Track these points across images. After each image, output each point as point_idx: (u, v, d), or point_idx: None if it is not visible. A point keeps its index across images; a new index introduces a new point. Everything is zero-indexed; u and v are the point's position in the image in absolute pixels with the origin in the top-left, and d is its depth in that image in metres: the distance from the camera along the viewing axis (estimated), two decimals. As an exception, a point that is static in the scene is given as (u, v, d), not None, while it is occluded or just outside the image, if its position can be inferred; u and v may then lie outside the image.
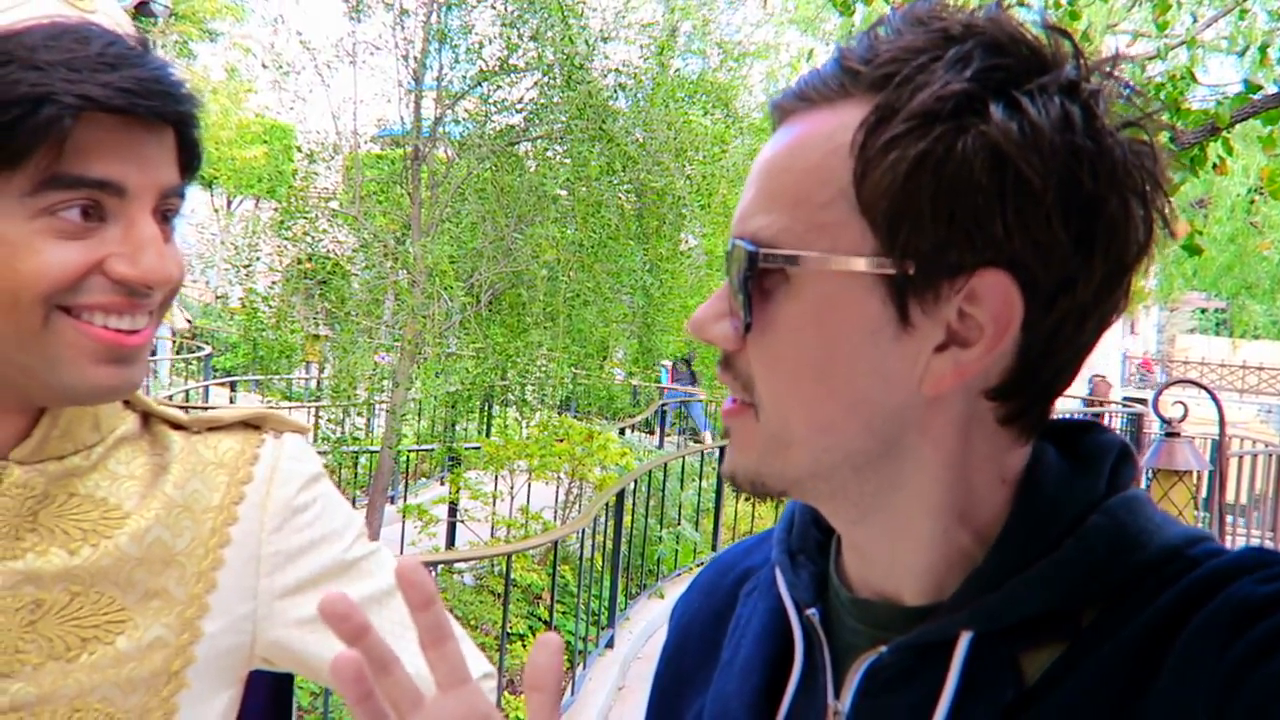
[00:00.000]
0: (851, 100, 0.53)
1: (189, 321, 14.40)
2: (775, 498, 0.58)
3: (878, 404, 0.53)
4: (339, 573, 0.90)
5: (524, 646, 4.37)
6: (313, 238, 5.50)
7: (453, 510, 6.34)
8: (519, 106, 5.81)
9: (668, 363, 12.89)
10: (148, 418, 0.88)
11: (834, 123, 0.53)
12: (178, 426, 0.88)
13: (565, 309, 5.52)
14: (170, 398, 8.44)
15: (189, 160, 0.77)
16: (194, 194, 13.05)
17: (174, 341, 13.49)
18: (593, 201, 5.54)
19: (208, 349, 13.30)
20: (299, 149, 5.82)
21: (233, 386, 11.81)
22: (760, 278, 0.54)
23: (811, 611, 0.62)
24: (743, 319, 0.54)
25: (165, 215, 0.75)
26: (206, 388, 11.41)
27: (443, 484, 8.41)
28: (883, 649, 0.56)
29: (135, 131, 0.70)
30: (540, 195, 5.74)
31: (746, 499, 0.61)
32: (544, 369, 5.80)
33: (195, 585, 0.83)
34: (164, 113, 0.71)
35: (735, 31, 11.46)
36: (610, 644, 5.24)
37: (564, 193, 5.79)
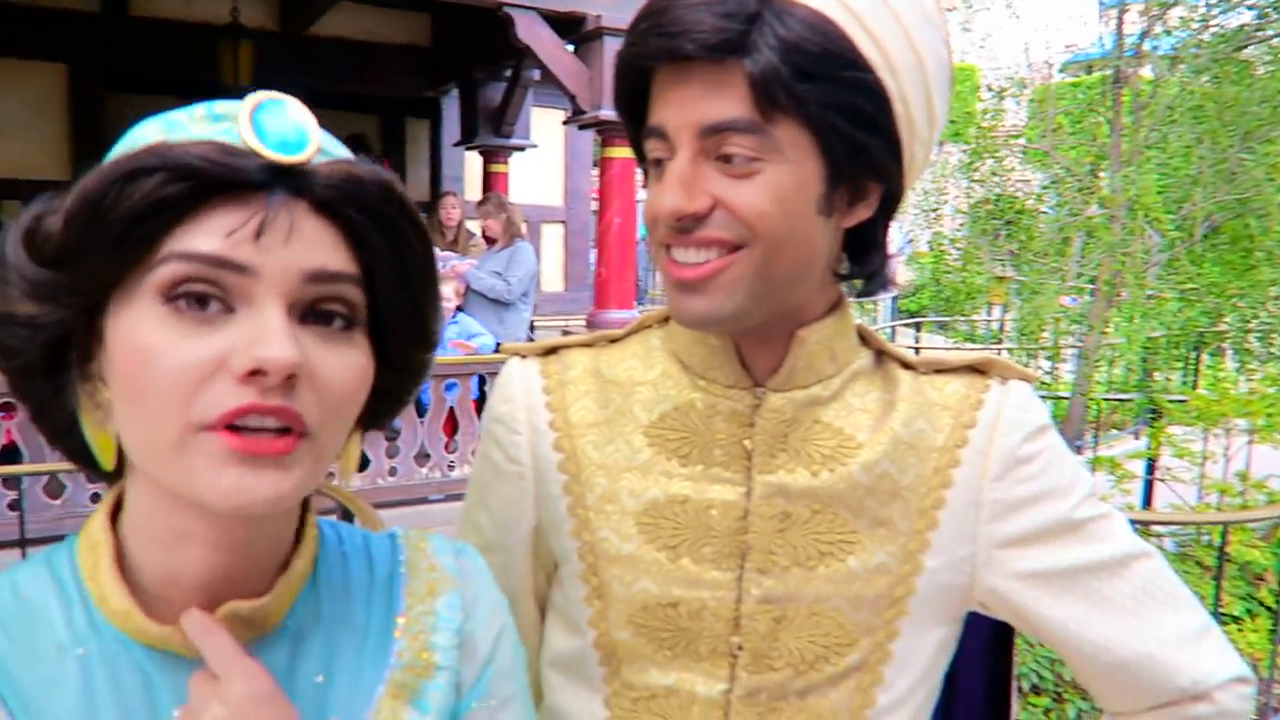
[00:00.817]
0: None
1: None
2: None
3: None
4: (1064, 531, 0.87)
5: (1239, 630, 3.80)
6: (1000, 177, 5.38)
7: (1151, 467, 5.75)
8: (1249, 1, 4.89)
9: None
10: (880, 355, 0.92)
11: None
12: (907, 366, 0.92)
13: (1310, 240, 4.53)
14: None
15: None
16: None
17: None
18: (1355, 105, 4.43)
19: (893, 290, 13.98)
20: (988, 88, 5.71)
21: (917, 327, 12.25)
22: None
23: None
24: None
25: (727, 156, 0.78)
26: (892, 328, 12.03)
27: (1137, 438, 7.67)
28: None
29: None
30: (1275, 106, 4.78)
31: None
32: (1275, 312, 4.87)
33: (918, 520, 0.87)
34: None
35: None
36: (1358, 650, 4.27)
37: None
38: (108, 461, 0.65)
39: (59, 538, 0.69)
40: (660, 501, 0.87)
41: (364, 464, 5.44)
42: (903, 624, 0.88)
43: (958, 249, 5.51)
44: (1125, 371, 7.61)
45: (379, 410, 0.70)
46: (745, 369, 0.88)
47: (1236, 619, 3.95)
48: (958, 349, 9.62)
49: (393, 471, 5.51)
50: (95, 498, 4.42)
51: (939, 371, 0.91)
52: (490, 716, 0.75)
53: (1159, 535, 4.62)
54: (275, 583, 0.67)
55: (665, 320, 0.95)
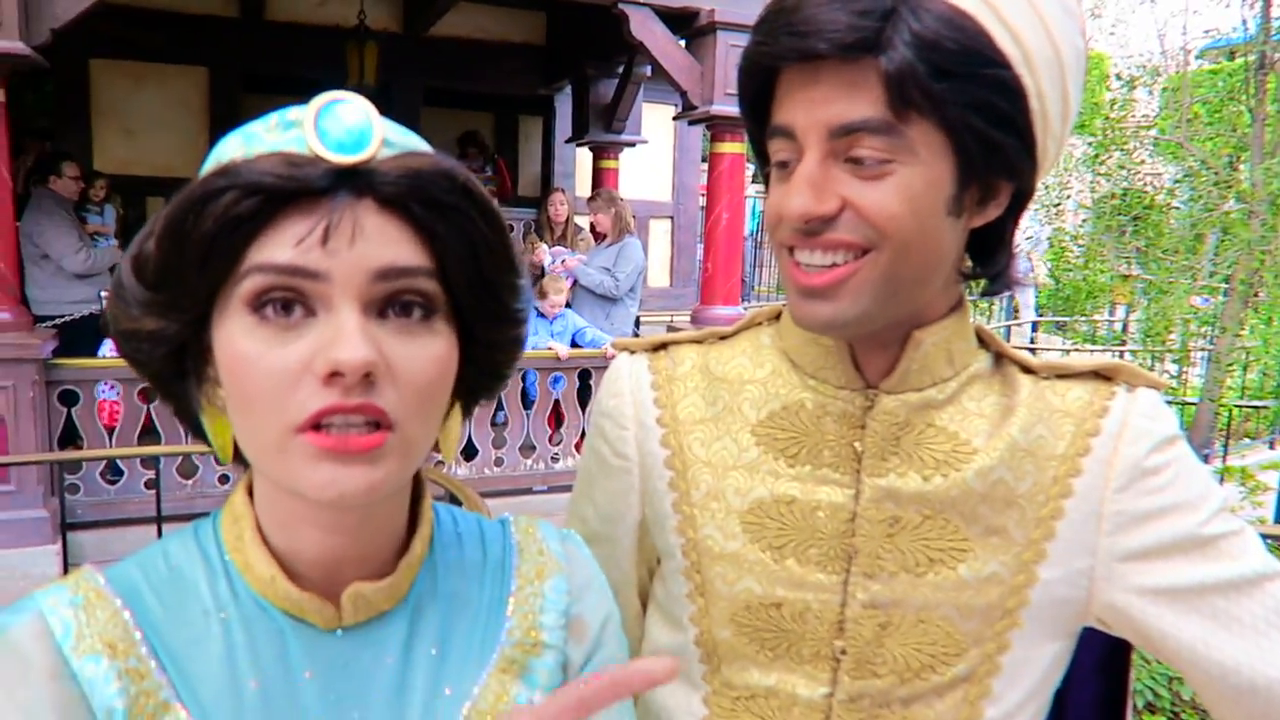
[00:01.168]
0: None
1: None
2: None
3: None
4: (1192, 547, 0.82)
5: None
6: (1128, 170, 5.13)
7: (1287, 479, 5.41)
8: None
9: None
10: (1000, 358, 0.90)
11: None
12: (1027, 370, 0.89)
13: None
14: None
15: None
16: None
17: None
18: None
19: (1016, 289, 13.44)
20: (1118, 76, 5.45)
21: (1034, 327, 11.82)
22: None
23: None
24: None
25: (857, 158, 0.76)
26: (1007, 329, 11.64)
27: (1273, 448, 7.21)
28: None
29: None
30: None
31: None
32: None
33: (1034, 530, 0.83)
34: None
35: None
36: None
37: None
38: (226, 454, 0.70)
39: (192, 516, 0.74)
40: (766, 501, 0.87)
41: (471, 453, 5.59)
42: (1014, 636, 0.85)
43: (1080, 245, 5.27)
44: (1261, 377, 7.17)
45: (475, 387, 0.73)
46: (858, 370, 0.86)
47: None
48: (1077, 350, 9.22)
49: (499, 462, 5.65)
50: (224, 479, 4.69)
51: (1061, 377, 0.88)
52: None
53: (1296, 551, 4.35)
54: (397, 563, 0.70)
55: (776, 317, 0.94)
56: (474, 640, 0.73)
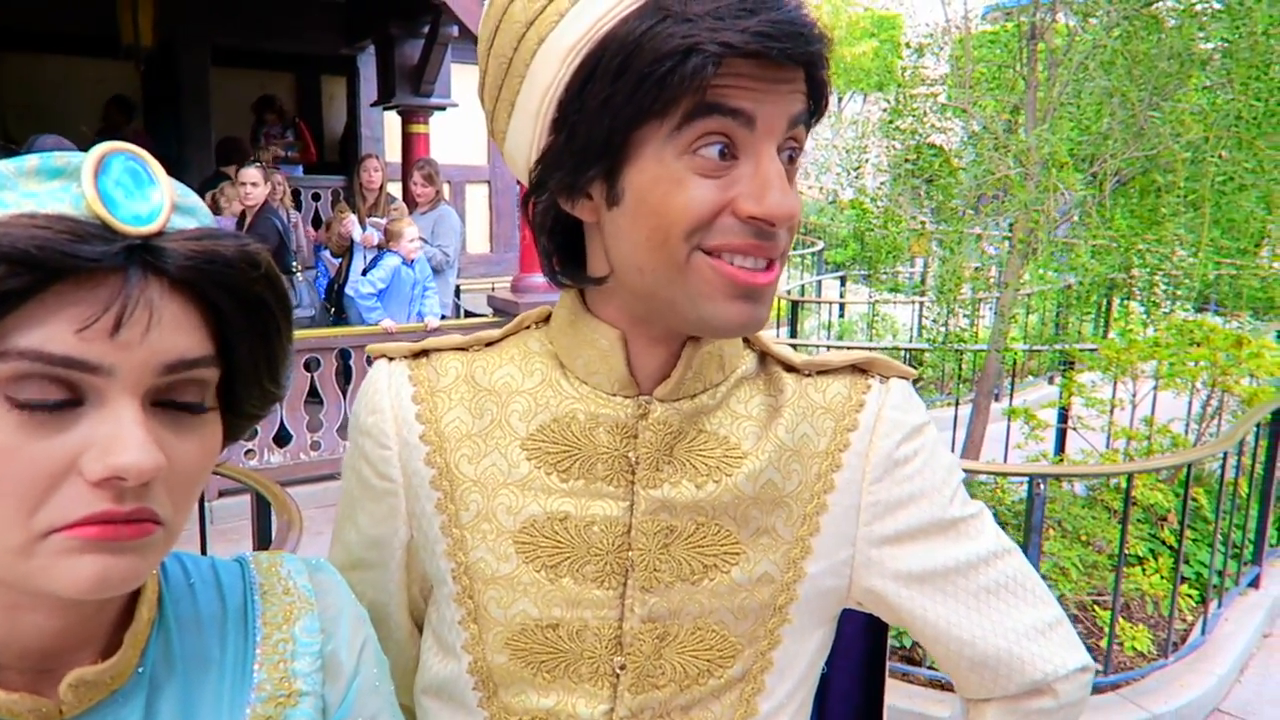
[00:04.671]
0: None
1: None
2: None
3: None
4: (937, 531, 0.88)
5: (1143, 571, 3.97)
6: (920, 134, 5.42)
7: (1064, 415, 5.94)
8: (1160, -43, 4.95)
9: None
10: (764, 357, 0.91)
11: None
12: (790, 369, 0.91)
13: (1212, 194, 4.66)
14: (788, 291, 9.18)
15: (816, 99, 0.77)
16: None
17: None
18: (1257, 62, 4.54)
19: (820, 244, 14.12)
20: (907, 45, 5.73)
21: (842, 280, 12.43)
22: None
23: None
24: None
25: (790, 155, 0.77)
26: (819, 282, 12.17)
27: (1052, 383, 7.92)
28: None
29: (768, 70, 0.71)
30: (1184, 60, 4.88)
31: None
32: (1179, 263, 5.04)
33: (800, 527, 0.86)
34: (795, 54, 0.71)
35: None
36: (1254, 583, 4.51)
37: (1215, 56, 4.85)
38: None
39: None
40: (539, 519, 0.84)
41: (285, 439, 5.33)
42: (785, 631, 0.87)
43: (878, 205, 5.57)
44: (1041, 320, 7.80)
45: (234, 436, 0.67)
46: (631, 375, 0.85)
47: (1140, 559, 4.12)
48: (884, 301, 9.78)
49: (315, 446, 5.42)
50: None
51: (822, 373, 0.90)
52: None
53: (1071, 480, 4.80)
54: (121, 637, 0.63)
55: (545, 320, 0.91)
56: (221, 705, 0.67)
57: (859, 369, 0.91)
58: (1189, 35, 4.89)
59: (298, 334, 5.24)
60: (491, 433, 0.86)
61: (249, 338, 0.59)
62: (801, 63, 0.73)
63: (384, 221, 6.11)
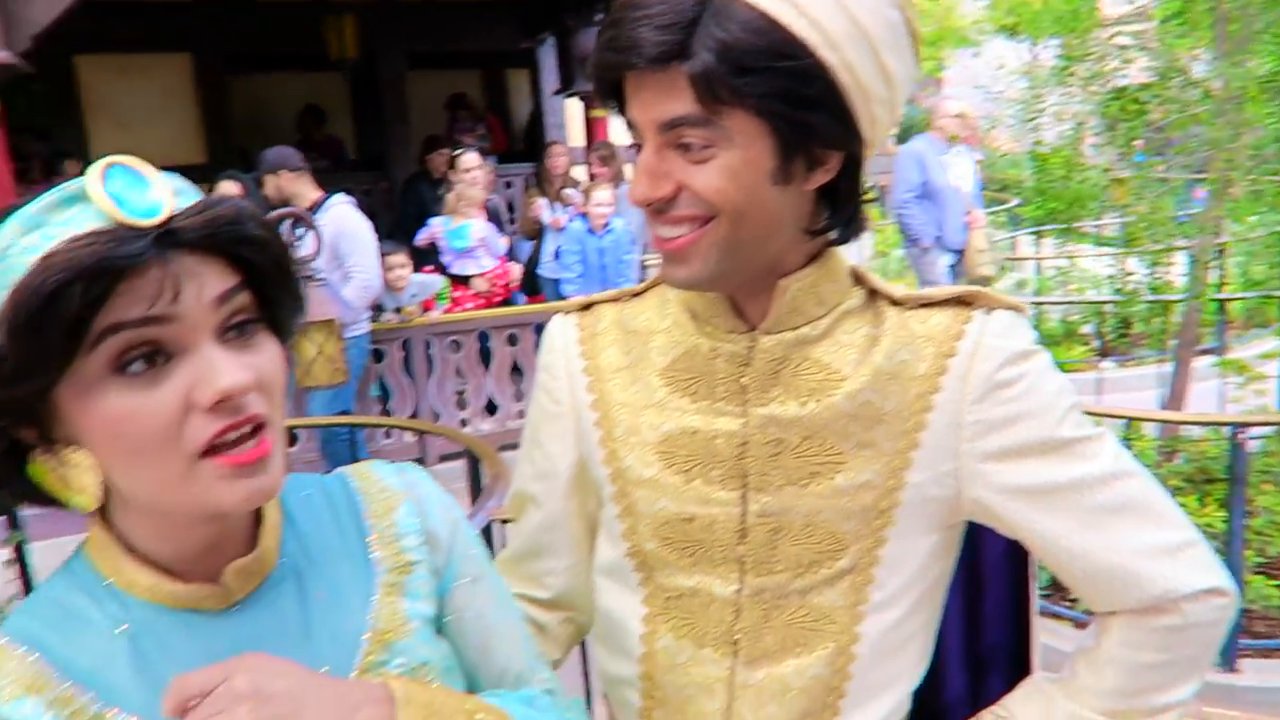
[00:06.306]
0: None
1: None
2: None
3: None
4: (1048, 450, 0.94)
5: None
6: (1102, 78, 5.15)
7: (1287, 366, 5.47)
8: None
9: None
10: (873, 294, 1.00)
11: None
12: (895, 303, 0.99)
13: None
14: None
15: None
16: (1000, 46, 12.93)
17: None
18: None
19: (1015, 200, 13.33)
20: (1085, -17, 5.44)
21: (1038, 236, 11.76)
22: None
23: None
24: None
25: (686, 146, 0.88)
26: (1012, 238, 11.55)
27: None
28: None
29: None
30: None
31: None
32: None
33: (900, 441, 0.96)
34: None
35: None
36: None
37: None
38: (90, 502, 0.71)
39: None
40: (674, 433, 1.01)
41: (494, 409, 5.80)
42: (890, 532, 0.98)
43: (1060, 156, 5.33)
44: (1269, 266, 7.12)
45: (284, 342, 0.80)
46: (741, 316, 0.99)
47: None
48: (1068, 254, 9.24)
49: (522, 414, 5.85)
50: None
51: (924, 305, 0.98)
52: (469, 591, 0.89)
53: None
54: (257, 534, 0.79)
55: None
56: (358, 580, 0.83)
57: (963, 301, 0.97)
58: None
59: (501, 312, 5.80)
60: (637, 365, 1.05)
61: (263, 263, 0.72)
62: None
63: (573, 194, 6.45)
